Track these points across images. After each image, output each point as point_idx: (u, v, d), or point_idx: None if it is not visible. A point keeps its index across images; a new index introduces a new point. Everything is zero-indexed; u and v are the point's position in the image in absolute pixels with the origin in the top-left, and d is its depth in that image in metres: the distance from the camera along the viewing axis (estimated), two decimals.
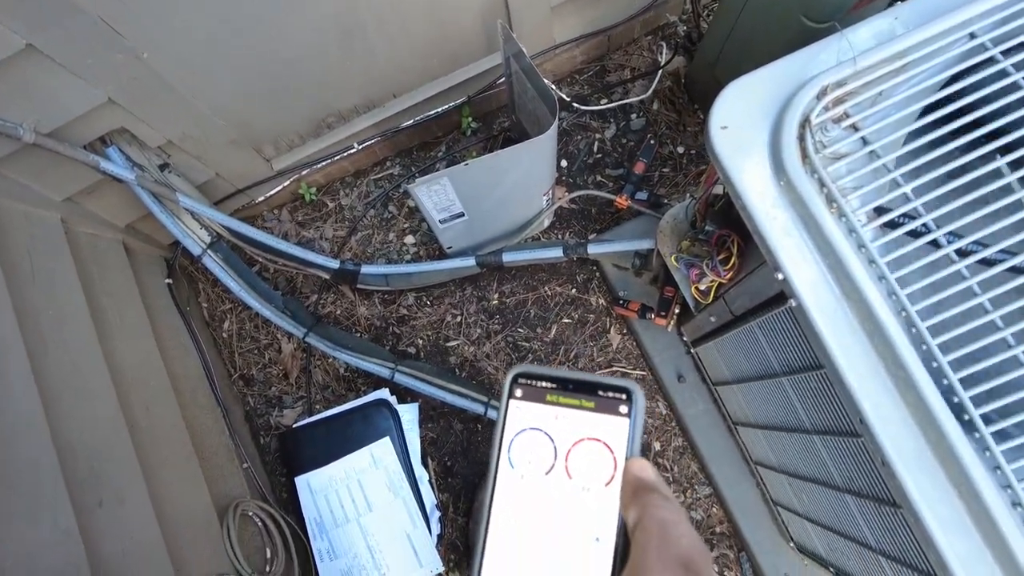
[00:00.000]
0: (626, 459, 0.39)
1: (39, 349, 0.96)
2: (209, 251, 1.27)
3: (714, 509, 1.35)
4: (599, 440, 0.39)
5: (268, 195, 1.43)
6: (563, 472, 0.39)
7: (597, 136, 1.51)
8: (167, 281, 1.40)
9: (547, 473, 0.39)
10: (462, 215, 1.21)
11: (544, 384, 0.41)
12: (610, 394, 0.39)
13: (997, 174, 0.63)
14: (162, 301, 1.37)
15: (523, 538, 0.38)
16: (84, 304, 1.09)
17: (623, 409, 0.39)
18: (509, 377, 0.41)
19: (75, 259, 1.12)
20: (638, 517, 0.36)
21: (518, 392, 0.41)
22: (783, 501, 1.17)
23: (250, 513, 1.24)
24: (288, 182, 1.42)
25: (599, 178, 1.49)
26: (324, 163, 1.39)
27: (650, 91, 1.44)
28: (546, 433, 0.40)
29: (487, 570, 0.38)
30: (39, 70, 0.91)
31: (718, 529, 1.35)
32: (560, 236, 1.47)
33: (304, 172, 1.41)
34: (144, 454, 1.06)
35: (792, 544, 1.22)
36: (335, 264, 1.32)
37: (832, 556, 1.03)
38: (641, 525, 0.35)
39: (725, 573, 1.33)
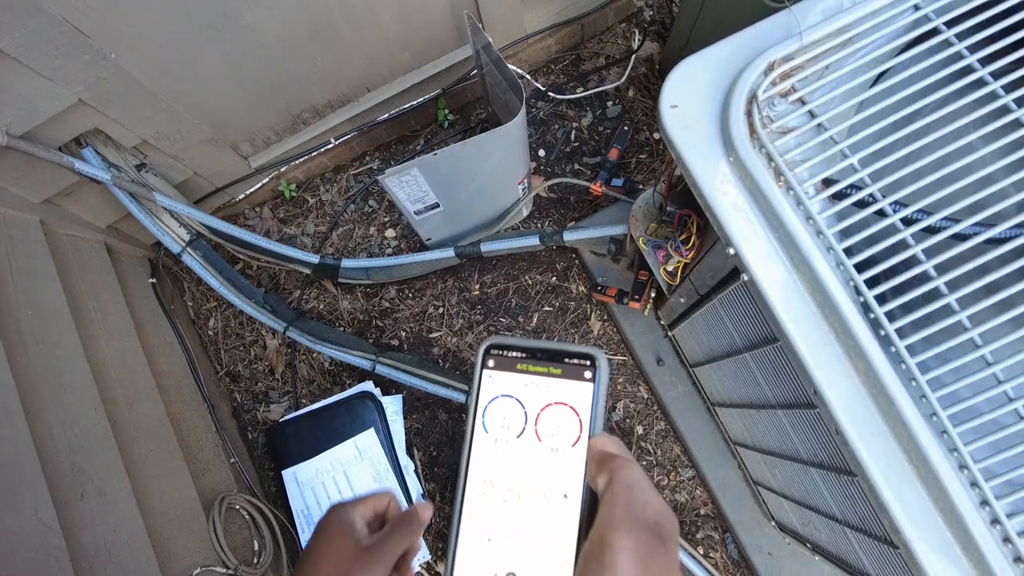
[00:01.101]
0: (590, 436, 0.41)
1: (17, 347, 0.97)
2: (189, 249, 1.29)
3: (698, 491, 1.36)
4: (566, 404, 0.42)
5: (248, 192, 1.45)
6: (533, 435, 0.42)
7: (574, 125, 1.52)
8: (151, 280, 1.41)
9: (518, 436, 0.42)
10: (437, 206, 1.22)
11: (515, 354, 0.43)
12: (576, 361, 0.42)
13: (944, 142, 0.64)
14: (146, 300, 1.38)
15: (497, 497, 0.41)
16: (65, 304, 1.11)
17: (588, 375, 0.42)
18: (482, 348, 0.44)
19: (55, 260, 1.14)
20: (607, 481, 0.38)
21: (490, 362, 0.44)
22: (761, 480, 1.18)
23: (237, 506, 1.26)
24: (267, 179, 1.43)
25: (577, 166, 1.50)
26: (302, 159, 1.40)
27: (624, 78, 1.44)
28: (517, 399, 0.42)
29: (465, 528, 0.40)
30: (6, 72, 0.92)
31: (702, 511, 1.35)
32: (539, 225, 1.48)
33: (283, 169, 1.42)
34: (127, 449, 1.08)
35: (773, 523, 1.23)
36: (315, 259, 1.33)
37: (806, 531, 1.04)
38: (610, 488, 0.38)
39: (711, 554, 1.34)
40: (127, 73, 1.03)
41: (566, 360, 0.42)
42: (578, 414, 0.41)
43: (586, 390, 0.41)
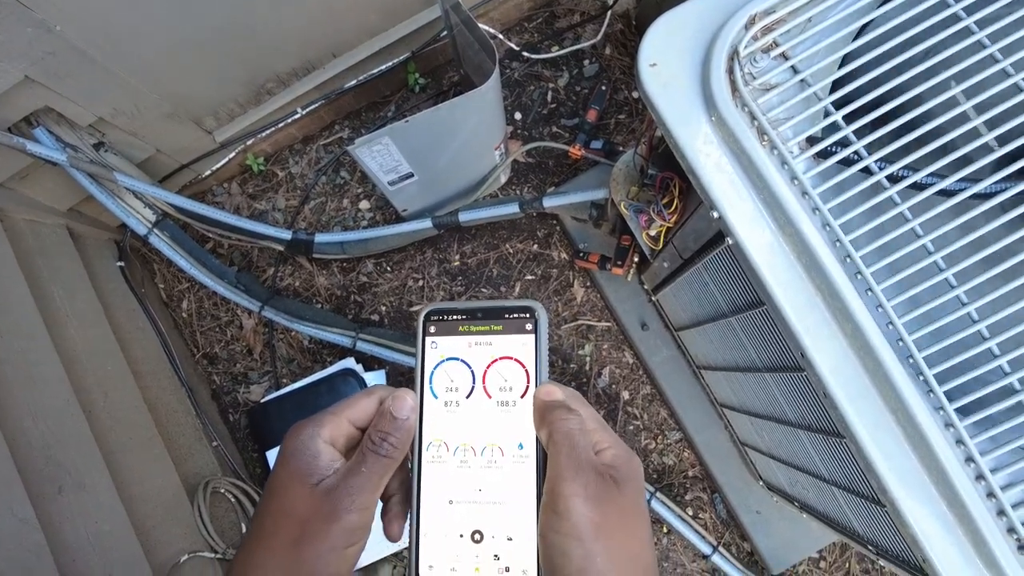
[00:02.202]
0: (536, 385, 0.42)
1: None
2: (155, 230, 1.24)
3: (685, 453, 1.37)
4: (511, 358, 0.42)
5: (215, 168, 1.39)
6: (482, 392, 0.42)
7: (550, 86, 1.47)
8: (119, 264, 1.37)
9: (468, 396, 0.42)
10: (411, 175, 1.18)
11: (455, 317, 0.43)
12: (515, 315, 0.43)
13: (929, 96, 0.62)
14: (115, 285, 1.34)
15: (454, 459, 0.41)
16: (28, 292, 1.06)
17: (528, 326, 0.43)
18: (422, 316, 0.44)
19: (14, 247, 1.09)
20: (548, 434, 0.38)
21: (432, 329, 0.44)
22: (748, 441, 1.19)
23: (222, 490, 1.24)
24: (234, 153, 1.38)
25: (555, 129, 1.46)
26: (269, 131, 1.35)
27: (600, 35, 1.40)
28: (462, 360, 0.43)
29: (425, 495, 0.41)
30: None
31: (690, 473, 1.37)
32: (518, 192, 1.45)
33: (249, 142, 1.36)
34: (104, 439, 1.05)
35: (761, 482, 1.25)
36: (287, 235, 1.29)
37: (794, 490, 1.05)
38: (551, 440, 0.38)
39: (700, 514, 1.36)
40: (75, 46, 0.97)
41: (506, 316, 0.43)
42: (524, 366, 0.42)
43: (528, 341, 0.42)
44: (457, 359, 0.43)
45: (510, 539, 0.39)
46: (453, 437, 0.42)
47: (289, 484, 0.37)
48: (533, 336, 0.42)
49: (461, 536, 0.40)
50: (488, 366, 0.42)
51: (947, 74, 0.61)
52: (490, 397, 0.42)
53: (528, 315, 0.42)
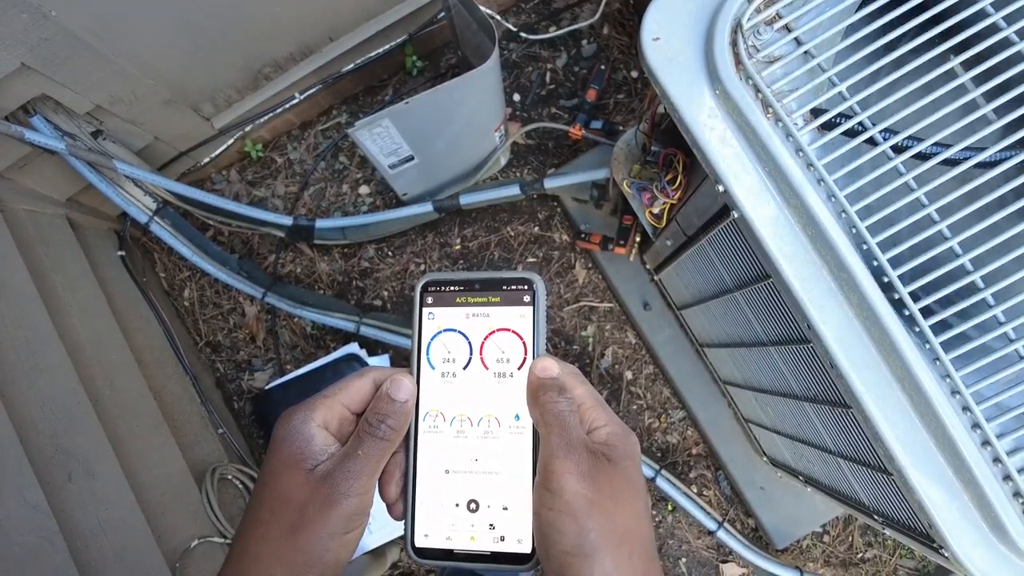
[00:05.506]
0: (534, 358, 0.41)
1: None
2: (156, 218, 1.24)
3: (689, 431, 1.38)
4: (508, 329, 0.42)
5: (213, 156, 1.38)
6: (479, 364, 0.42)
7: (548, 66, 1.46)
8: (120, 253, 1.36)
9: (465, 368, 0.42)
10: (412, 158, 1.18)
11: (453, 288, 0.43)
12: (513, 287, 0.43)
13: (932, 66, 0.61)
14: (117, 274, 1.34)
15: (451, 429, 0.42)
16: (30, 283, 1.06)
17: (526, 298, 0.42)
18: (419, 287, 0.44)
19: (15, 238, 1.09)
20: (539, 415, 0.39)
21: (429, 299, 0.44)
22: (752, 417, 1.20)
23: (229, 476, 1.25)
24: (232, 140, 1.37)
25: (554, 110, 1.45)
26: (267, 117, 1.34)
27: (598, 14, 1.39)
28: (460, 332, 0.43)
29: (422, 465, 0.41)
30: None
31: (694, 451, 1.38)
32: (518, 174, 1.44)
33: (248, 128, 1.35)
34: (111, 427, 1.06)
35: (765, 458, 1.26)
36: (288, 221, 1.29)
37: (799, 464, 1.06)
38: (543, 421, 0.38)
39: (704, 492, 1.37)
40: (71, 33, 0.96)
41: (504, 287, 0.43)
42: (521, 337, 0.42)
43: (526, 313, 0.42)
44: (454, 330, 0.43)
45: (505, 508, 0.40)
46: (450, 408, 0.42)
47: (283, 470, 0.36)
48: (531, 308, 0.42)
49: (457, 505, 0.40)
50: (485, 338, 0.42)
51: (946, 46, 0.61)
52: (487, 369, 0.42)
53: (526, 287, 0.42)
